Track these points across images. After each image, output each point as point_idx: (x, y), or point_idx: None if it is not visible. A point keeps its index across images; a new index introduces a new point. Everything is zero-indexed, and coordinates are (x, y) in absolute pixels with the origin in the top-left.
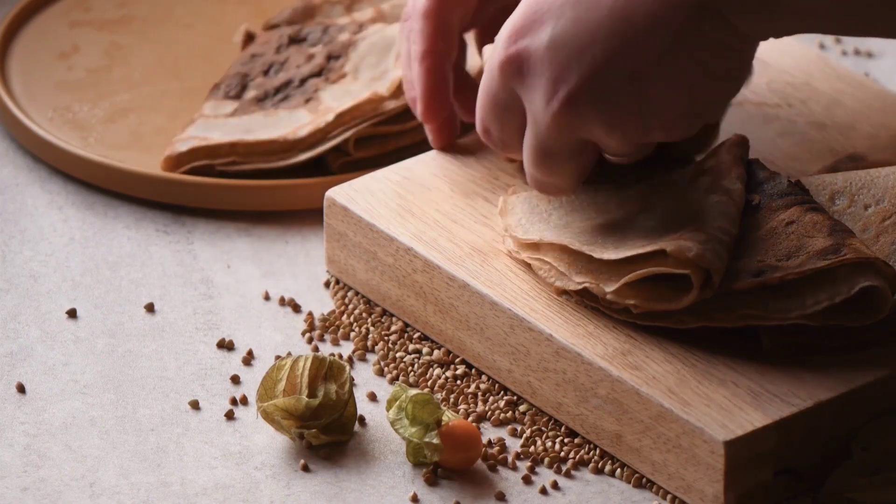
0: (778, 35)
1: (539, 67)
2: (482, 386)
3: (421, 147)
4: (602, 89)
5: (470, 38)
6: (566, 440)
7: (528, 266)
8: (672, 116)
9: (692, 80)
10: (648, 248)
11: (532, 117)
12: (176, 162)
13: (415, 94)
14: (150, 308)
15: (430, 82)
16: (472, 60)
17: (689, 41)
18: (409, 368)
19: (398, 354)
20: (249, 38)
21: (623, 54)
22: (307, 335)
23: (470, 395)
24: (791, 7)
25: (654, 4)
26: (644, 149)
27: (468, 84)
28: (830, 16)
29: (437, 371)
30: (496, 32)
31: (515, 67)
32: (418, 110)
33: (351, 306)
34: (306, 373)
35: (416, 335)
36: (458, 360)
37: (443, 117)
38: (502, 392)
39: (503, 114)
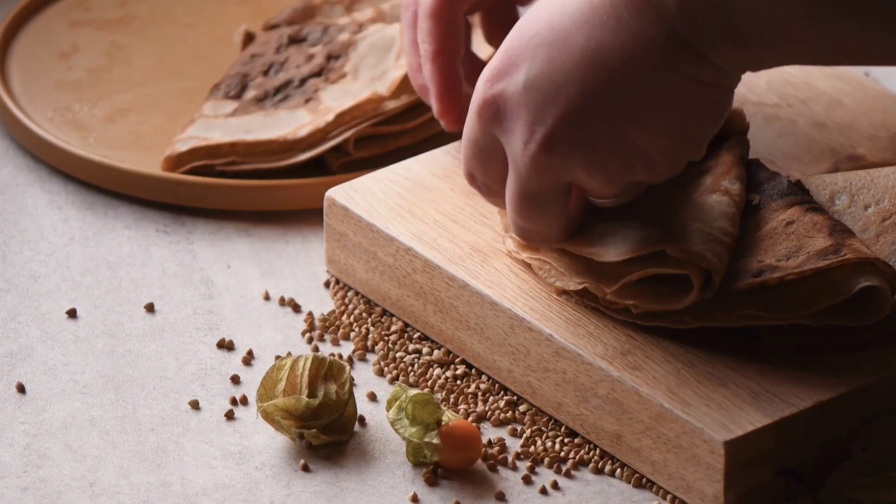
0: (756, 67)
1: (516, 111)
2: (482, 386)
3: (421, 147)
4: (579, 130)
5: (476, 20)
6: (566, 440)
7: (528, 266)
8: (652, 155)
9: (671, 118)
10: (649, 250)
11: (512, 161)
12: (176, 162)
13: (422, 82)
14: (150, 308)
15: (442, 81)
16: (480, 47)
17: (665, 78)
18: (409, 368)
19: (398, 354)
20: (249, 38)
21: (597, 93)
22: (307, 335)
23: (470, 395)
24: (760, 36)
25: (627, 42)
26: (631, 190)
27: (480, 67)
28: (806, 43)
29: (437, 371)
30: (500, 15)
31: (493, 112)
32: (434, 109)
33: (351, 306)
34: (306, 373)
35: (416, 335)
36: (458, 360)
37: (457, 112)
38: (502, 392)
39: (486, 159)
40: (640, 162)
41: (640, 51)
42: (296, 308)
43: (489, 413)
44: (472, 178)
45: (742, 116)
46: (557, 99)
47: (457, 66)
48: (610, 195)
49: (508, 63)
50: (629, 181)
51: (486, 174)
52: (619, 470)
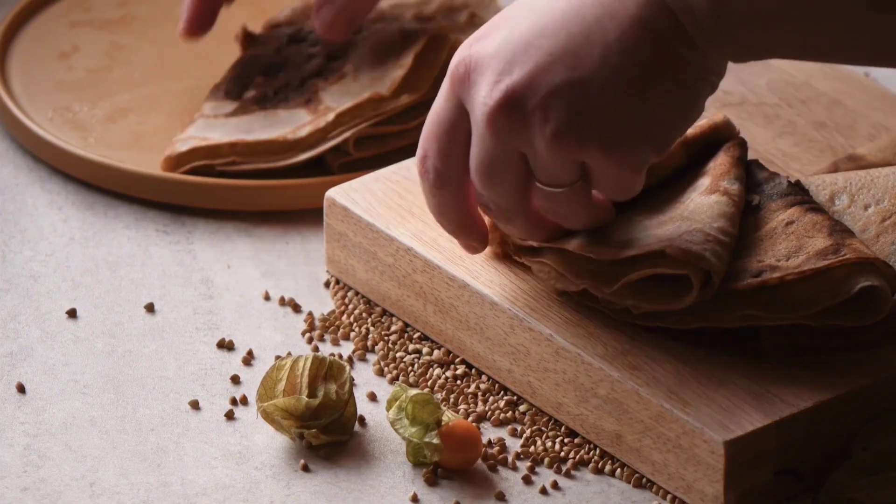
0: (736, 54)
1: (485, 65)
2: (482, 386)
3: None
4: (544, 86)
5: None
6: (566, 440)
7: (528, 266)
8: (611, 125)
9: (637, 87)
10: (648, 249)
11: (474, 123)
12: (176, 162)
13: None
14: (150, 308)
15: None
16: None
17: (639, 36)
18: (409, 368)
19: (398, 354)
20: (248, 36)
21: (568, 47)
22: (307, 335)
23: (470, 395)
24: (743, 16)
25: (606, 0)
26: (577, 190)
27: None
28: (792, 30)
29: (437, 371)
30: None
31: (462, 72)
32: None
33: (351, 306)
34: (306, 373)
35: (416, 335)
36: (458, 360)
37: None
38: (502, 392)
39: (445, 133)
40: (594, 133)
41: (619, 5)
42: (296, 308)
43: (489, 413)
44: (423, 161)
45: (730, 126)
46: (529, 51)
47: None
48: (555, 174)
49: (489, 28)
50: (577, 157)
51: (444, 153)
52: (619, 470)
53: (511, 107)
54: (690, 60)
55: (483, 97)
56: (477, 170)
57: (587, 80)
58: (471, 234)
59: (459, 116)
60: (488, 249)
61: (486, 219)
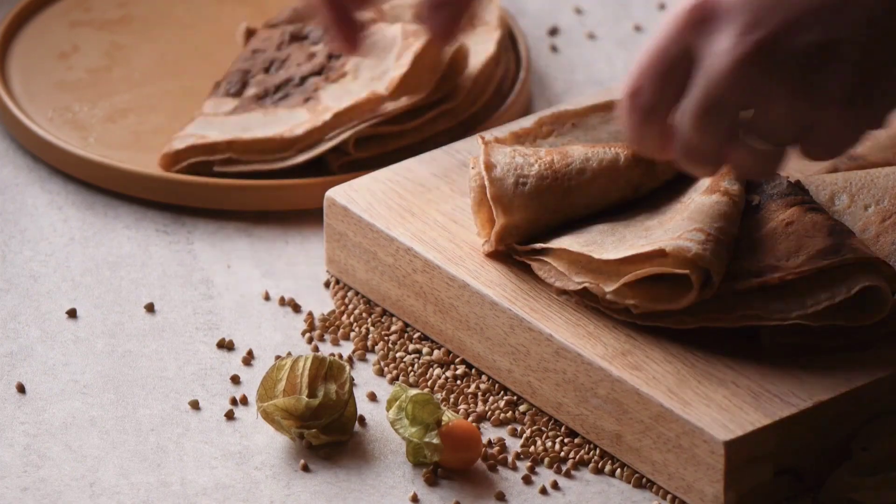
0: None
1: (729, 15)
2: (482, 386)
3: (421, 147)
4: (797, 42)
5: None
6: (566, 440)
7: (528, 266)
8: (862, 85)
9: (890, 54)
10: (647, 249)
11: (706, 68)
12: (173, 159)
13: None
14: (150, 308)
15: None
16: None
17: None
18: (409, 368)
19: (398, 354)
20: (251, 34)
21: (823, 6)
22: (307, 335)
23: (470, 395)
24: None
25: None
26: (776, 159)
27: None
28: None
29: (437, 371)
30: None
31: (700, 15)
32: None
33: (351, 306)
34: (306, 373)
35: (416, 335)
36: (458, 360)
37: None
38: (502, 392)
39: (667, 71)
40: (843, 90)
41: None
42: (296, 308)
43: (489, 413)
44: (635, 96)
45: None
46: (782, 3)
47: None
48: (779, 135)
49: None
50: (818, 115)
51: (659, 91)
52: (619, 470)
53: (761, 55)
54: None
55: (730, 43)
56: (696, 113)
57: (845, 40)
58: (669, 154)
59: (684, 59)
60: (487, 248)
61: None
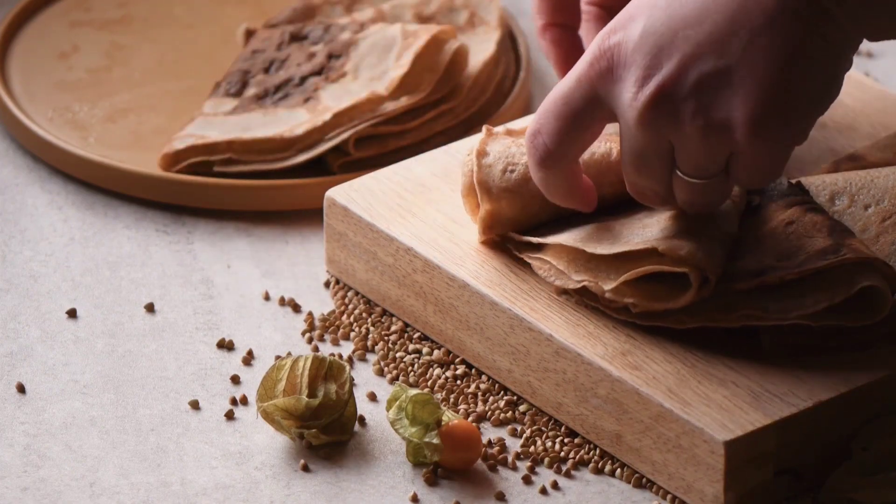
0: (874, 32)
1: (630, 58)
2: (482, 386)
3: (421, 147)
4: (693, 77)
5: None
6: (566, 440)
7: (527, 265)
8: (761, 109)
9: (784, 69)
10: (640, 246)
11: (622, 116)
12: (173, 159)
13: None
14: (150, 308)
15: (557, 53)
16: None
17: (788, 21)
18: (409, 368)
19: (398, 354)
20: (250, 35)
21: (712, 38)
22: (307, 335)
23: (470, 395)
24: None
25: None
26: (717, 190)
27: None
28: None
29: (437, 371)
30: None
31: (606, 64)
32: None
33: (351, 306)
34: (306, 373)
35: (416, 335)
36: (458, 360)
37: None
38: (502, 392)
39: (569, 117)
40: (745, 116)
41: None
42: (296, 308)
43: (489, 413)
44: (534, 137)
45: None
46: (675, 42)
47: (572, 39)
48: (702, 169)
49: (626, 17)
50: (731, 144)
51: (560, 136)
52: (619, 470)
53: (662, 101)
54: (831, 39)
55: (632, 94)
56: (629, 161)
57: (735, 66)
58: (575, 203)
59: (591, 106)
60: (481, 236)
61: (482, 211)
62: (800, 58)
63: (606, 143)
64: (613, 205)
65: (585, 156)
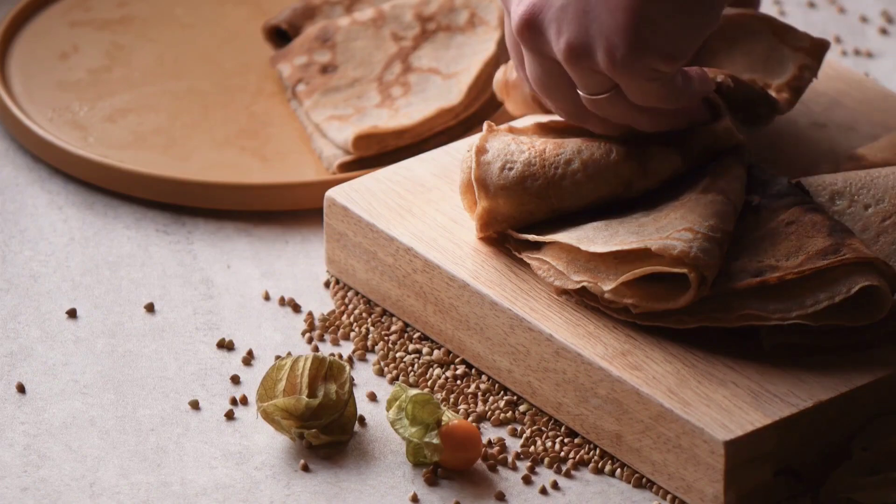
0: None
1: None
2: (482, 386)
3: (421, 147)
4: (556, 2)
5: None
6: (566, 440)
7: (527, 265)
8: (615, 36)
9: (636, 4)
10: (634, 245)
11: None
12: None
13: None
14: (150, 308)
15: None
16: None
17: None
18: (409, 368)
19: (398, 354)
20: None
21: None
22: (307, 335)
23: (470, 395)
24: None
25: None
26: (610, 107)
27: None
28: None
29: (437, 371)
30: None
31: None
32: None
33: (351, 306)
34: (306, 373)
35: (416, 335)
36: (458, 360)
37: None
38: (502, 392)
39: (511, 48)
40: (600, 43)
41: None
42: (296, 308)
43: (489, 413)
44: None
45: (731, 132)
46: None
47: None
48: (588, 87)
49: None
50: (593, 68)
51: (517, 66)
52: (619, 470)
53: (530, 23)
54: None
55: (511, 16)
56: (532, 81)
57: None
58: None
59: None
60: (479, 233)
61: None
62: None
63: (607, 143)
64: (611, 204)
65: (585, 155)
